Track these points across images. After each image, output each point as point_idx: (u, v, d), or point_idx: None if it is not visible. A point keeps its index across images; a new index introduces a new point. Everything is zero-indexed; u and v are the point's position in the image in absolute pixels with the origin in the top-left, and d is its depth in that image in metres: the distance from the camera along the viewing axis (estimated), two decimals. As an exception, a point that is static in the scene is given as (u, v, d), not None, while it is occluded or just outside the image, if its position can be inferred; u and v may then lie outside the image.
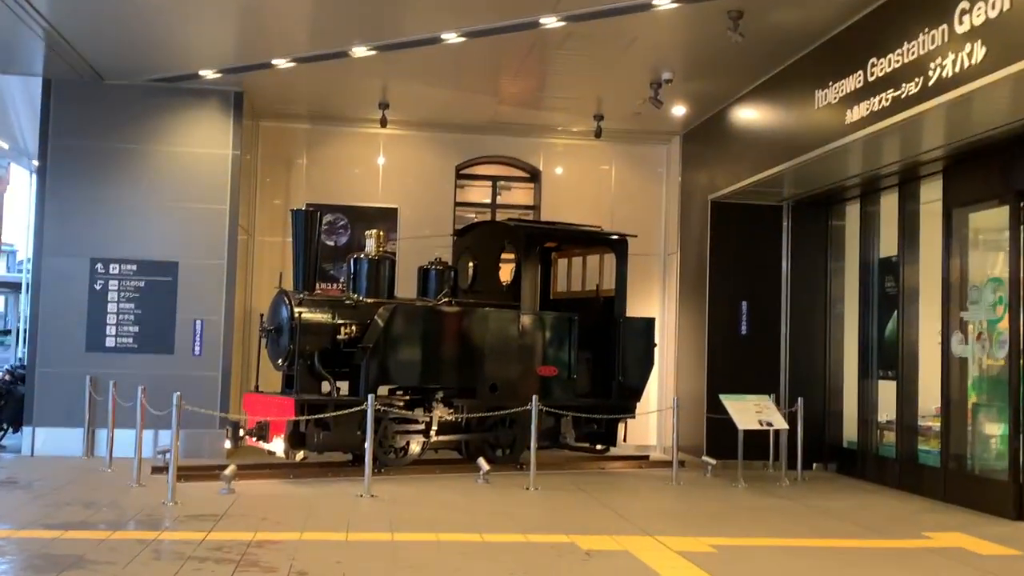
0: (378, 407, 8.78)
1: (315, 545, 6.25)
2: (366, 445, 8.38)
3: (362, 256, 10.21)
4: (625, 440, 11.18)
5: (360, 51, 9.56)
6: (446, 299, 10.26)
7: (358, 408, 8.62)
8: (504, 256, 11.36)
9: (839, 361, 11.07)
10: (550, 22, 8.64)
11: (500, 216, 12.83)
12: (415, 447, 9.77)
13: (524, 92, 11.25)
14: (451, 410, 9.92)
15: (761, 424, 9.87)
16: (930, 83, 6.91)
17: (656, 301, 12.86)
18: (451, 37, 9.06)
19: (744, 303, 11.35)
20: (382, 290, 10.10)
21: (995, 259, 8.68)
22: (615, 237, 11.15)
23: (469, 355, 10.08)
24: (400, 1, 8.45)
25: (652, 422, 12.58)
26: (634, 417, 11.03)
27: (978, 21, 6.33)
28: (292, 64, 9.95)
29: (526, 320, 10.38)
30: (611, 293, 11.12)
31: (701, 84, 10.50)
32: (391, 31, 9.14)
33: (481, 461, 9.35)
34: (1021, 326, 8.02)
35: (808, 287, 11.31)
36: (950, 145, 8.17)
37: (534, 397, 9.25)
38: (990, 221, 8.68)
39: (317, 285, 10.06)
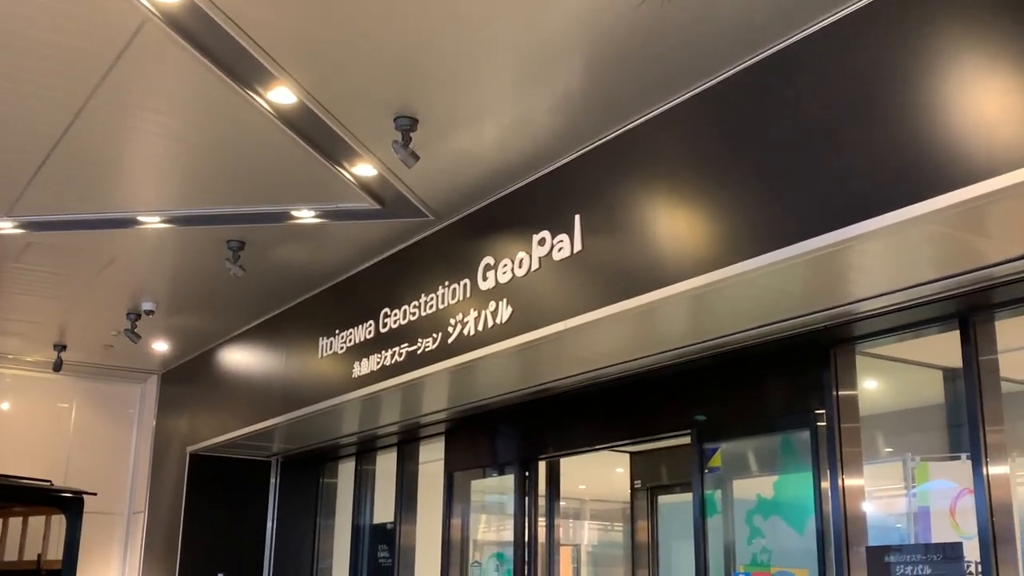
0: None
1: None
2: None
3: None
4: None
5: None
6: None
7: None
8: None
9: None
10: (5, 227, 6.96)
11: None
12: None
13: (-34, 310, 9.20)
14: None
15: None
16: (450, 340, 6.32)
17: (114, 573, 10.84)
18: None
19: (221, 575, 9.80)
20: None
21: (500, 530, 8.17)
22: (68, 495, 9.15)
23: None
24: None
25: None
26: None
27: (504, 279, 5.88)
28: None
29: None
30: (58, 565, 8.97)
31: (189, 319, 9.24)
32: None
33: None
34: (526, 607, 7.43)
35: (295, 556, 10.14)
36: (460, 407, 7.64)
37: None
38: (495, 488, 8.24)
39: None
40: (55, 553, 9.16)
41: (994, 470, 4.48)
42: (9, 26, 4.58)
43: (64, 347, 10.11)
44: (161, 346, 10.15)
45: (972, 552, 4.46)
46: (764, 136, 4.43)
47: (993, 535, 4.39)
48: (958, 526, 4.72)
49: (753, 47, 4.46)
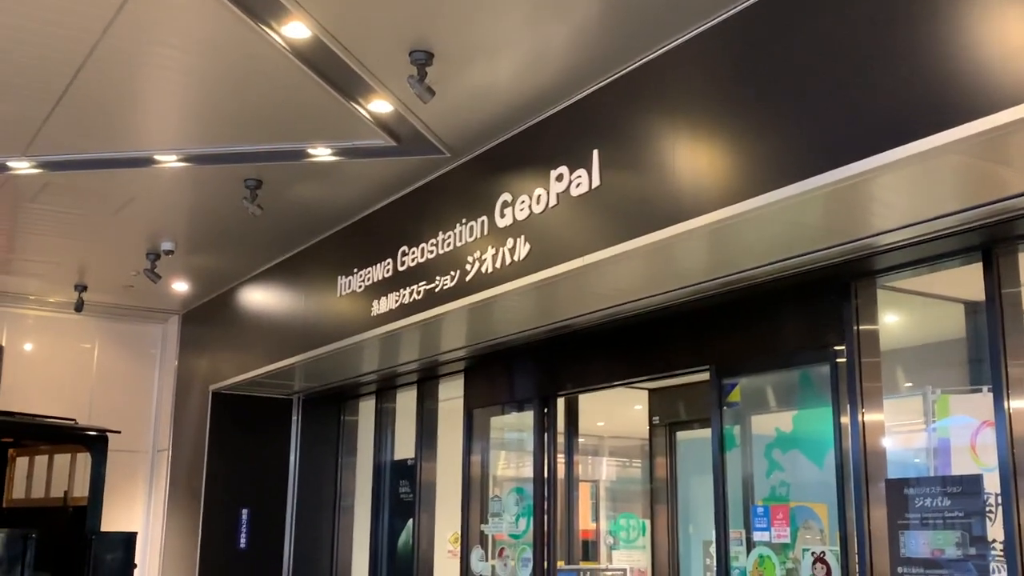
0: None
1: None
2: None
3: None
4: None
5: None
6: None
7: None
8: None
9: None
10: (22, 167, 6.96)
11: (-58, 401, 10.28)
12: None
13: (-13, 251, 9.26)
14: None
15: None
16: (468, 278, 6.31)
17: (140, 509, 10.99)
18: None
19: (245, 511, 9.95)
20: None
21: (519, 466, 8.24)
22: (92, 433, 9.27)
23: None
24: None
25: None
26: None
27: (521, 216, 5.85)
28: None
29: (-38, 540, 8.05)
30: (83, 502, 9.12)
31: (208, 259, 9.26)
32: None
33: None
34: (545, 541, 7.51)
35: (317, 492, 10.23)
36: (480, 343, 7.65)
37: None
38: (514, 425, 8.29)
39: None
40: (81, 490, 9.30)
41: (1016, 403, 4.46)
42: (19, -39, 4.54)
43: (85, 288, 10.17)
44: (181, 286, 10.20)
45: (992, 484, 4.46)
46: (784, 68, 4.35)
47: (1013, 467, 4.38)
48: (978, 459, 4.71)
49: (775, -25, 4.37)
